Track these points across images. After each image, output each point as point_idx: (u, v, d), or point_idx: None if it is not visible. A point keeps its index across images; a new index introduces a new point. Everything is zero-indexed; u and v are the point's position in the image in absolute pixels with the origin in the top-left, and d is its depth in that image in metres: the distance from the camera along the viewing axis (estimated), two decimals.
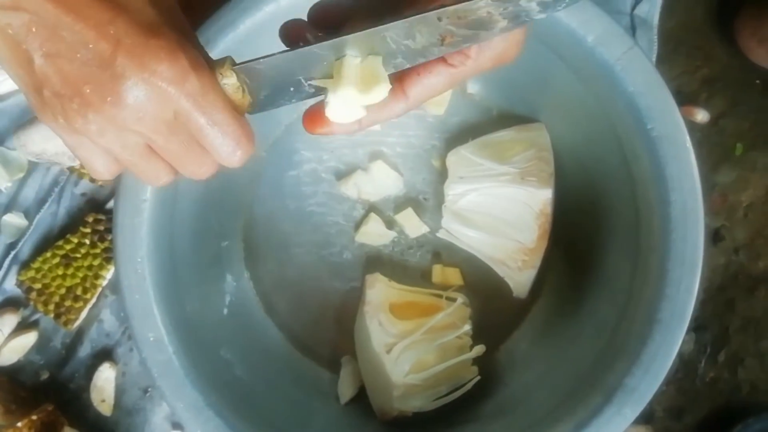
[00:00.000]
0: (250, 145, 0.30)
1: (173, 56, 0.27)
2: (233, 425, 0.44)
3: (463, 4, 0.29)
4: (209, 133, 0.29)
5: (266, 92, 0.31)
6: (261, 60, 0.30)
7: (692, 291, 0.43)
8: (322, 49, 0.30)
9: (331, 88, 0.31)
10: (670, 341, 0.43)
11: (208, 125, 0.28)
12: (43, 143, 0.55)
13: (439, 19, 0.29)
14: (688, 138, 0.44)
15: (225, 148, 0.29)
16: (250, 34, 0.45)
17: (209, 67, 0.29)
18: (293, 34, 0.32)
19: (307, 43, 0.30)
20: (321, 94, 0.31)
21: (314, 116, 0.33)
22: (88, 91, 0.26)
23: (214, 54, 0.34)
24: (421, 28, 0.29)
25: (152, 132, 0.28)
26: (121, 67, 0.26)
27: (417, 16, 0.29)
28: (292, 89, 0.31)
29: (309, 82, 0.31)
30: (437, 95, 0.33)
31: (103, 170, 0.30)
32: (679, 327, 0.43)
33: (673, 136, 0.44)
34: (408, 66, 0.31)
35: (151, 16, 0.27)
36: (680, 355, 0.67)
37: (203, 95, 0.28)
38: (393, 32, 0.30)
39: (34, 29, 0.26)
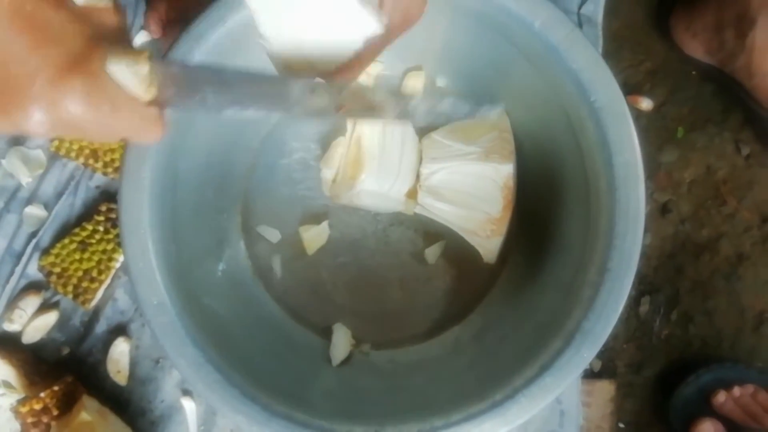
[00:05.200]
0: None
1: None
2: (231, 378, 0.43)
3: (363, 87, 0.31)
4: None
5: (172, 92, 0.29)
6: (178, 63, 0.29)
7: (637, 240, 0.42)
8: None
9: None
10: (620, 287, 0.42)
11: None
12: None
13: (340, 91, 0.31)
14: (626, 106, 0.44)
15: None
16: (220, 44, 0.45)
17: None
18: None
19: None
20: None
21: None
22: None
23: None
24: (322, 92, 0.31)
25: None
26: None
27: (322, 81, 0.31)
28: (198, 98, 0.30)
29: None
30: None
31: None
32: (627, 273, 0.42)
33: (613, 106, 0.44)
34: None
35: None
36: (637, 316, 0.67)
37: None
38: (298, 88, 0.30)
39: None
